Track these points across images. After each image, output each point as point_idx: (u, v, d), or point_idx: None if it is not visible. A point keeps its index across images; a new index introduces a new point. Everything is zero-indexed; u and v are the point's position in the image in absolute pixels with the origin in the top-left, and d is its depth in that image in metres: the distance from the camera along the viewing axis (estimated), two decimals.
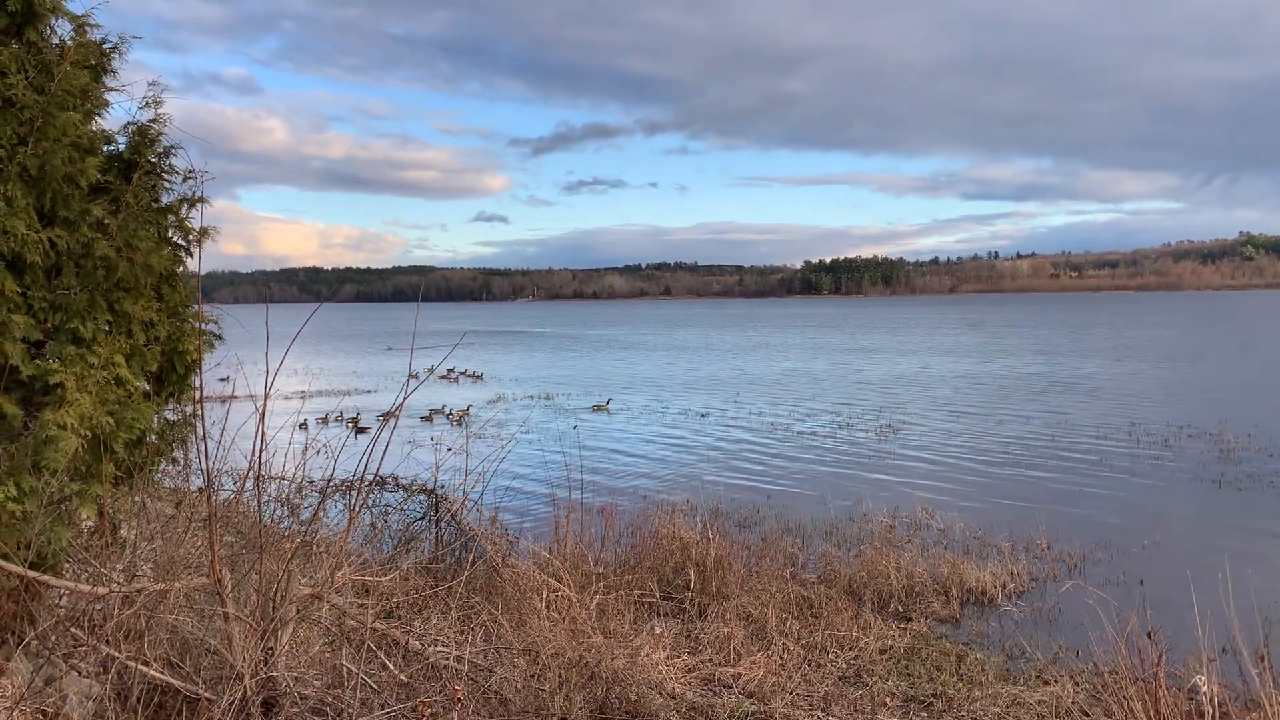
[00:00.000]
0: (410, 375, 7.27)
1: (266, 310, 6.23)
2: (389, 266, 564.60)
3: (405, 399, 6.76)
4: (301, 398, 40.90)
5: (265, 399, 6.06)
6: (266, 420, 6.27)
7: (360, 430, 30.24)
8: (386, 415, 7.02)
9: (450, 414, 34.27)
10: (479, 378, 50.33)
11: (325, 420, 32.20)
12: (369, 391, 44.27)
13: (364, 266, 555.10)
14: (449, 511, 10.65)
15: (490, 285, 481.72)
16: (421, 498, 10.88)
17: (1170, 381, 41.73)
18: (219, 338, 7.87)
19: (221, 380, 10.00)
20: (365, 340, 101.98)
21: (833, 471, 22.49)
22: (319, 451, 8.89)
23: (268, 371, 6.15)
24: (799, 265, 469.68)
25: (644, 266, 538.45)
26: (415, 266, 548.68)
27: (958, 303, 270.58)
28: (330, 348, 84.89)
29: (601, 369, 56.84)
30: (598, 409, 35.63)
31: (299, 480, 8.73)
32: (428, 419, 33.40)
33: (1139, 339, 76.93)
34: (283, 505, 8.68)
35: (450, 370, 52.11)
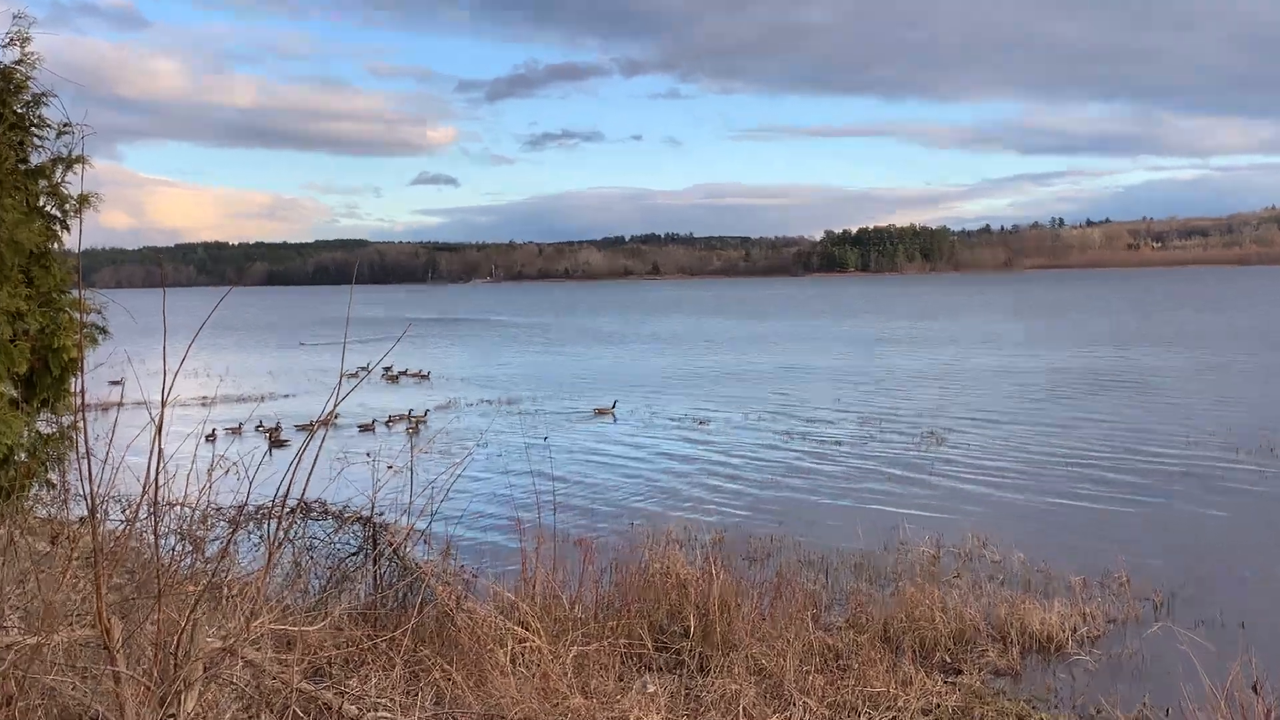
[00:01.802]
0: (342, 375, 7.24)
1: (163, 296, 6.20)
2: (310, 240, 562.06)
3: (336, 404, 6.75)
4: (206, 404, 40.83)
5: (163, 406, 6.03)
6: (164, 433, 6.24)
7: (280, 444, 30.19)
8: (313, 425, 7.01)
9: (395, 420, 34.61)
10: (425, 378, 50.34)
11: (237, 431, 32.11)
12: (288, 396, 44.17)
13: (279, 241, 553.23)
14: (390, 544, 10.64)
15: (437, 263, 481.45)
16: (356, 528, 10.84)
17: (1275, 377, 42.15)
18: (103, 331, 7.84)
19: (114, 384, 9.98)
20: (283, 332, 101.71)
21: (863, 490, 22.64)
22: (228, 471, 8.86)
23: (165, 372, 6.12)
24: (818, 236, 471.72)
25: (627, 239, 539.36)
26: (343, 240, 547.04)
27: (1014, 281, 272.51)
28: (239, 342, 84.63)
29: (577, 366, 56.91)
30: (601, 413, 35.97)
31: (205, 507, 8.68)
32: (368, 428, 33.71)
33: (1235, 325, 77.60)
34: (185, 539, 8.65)
35: (389, 369, 52.08)
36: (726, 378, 48.36)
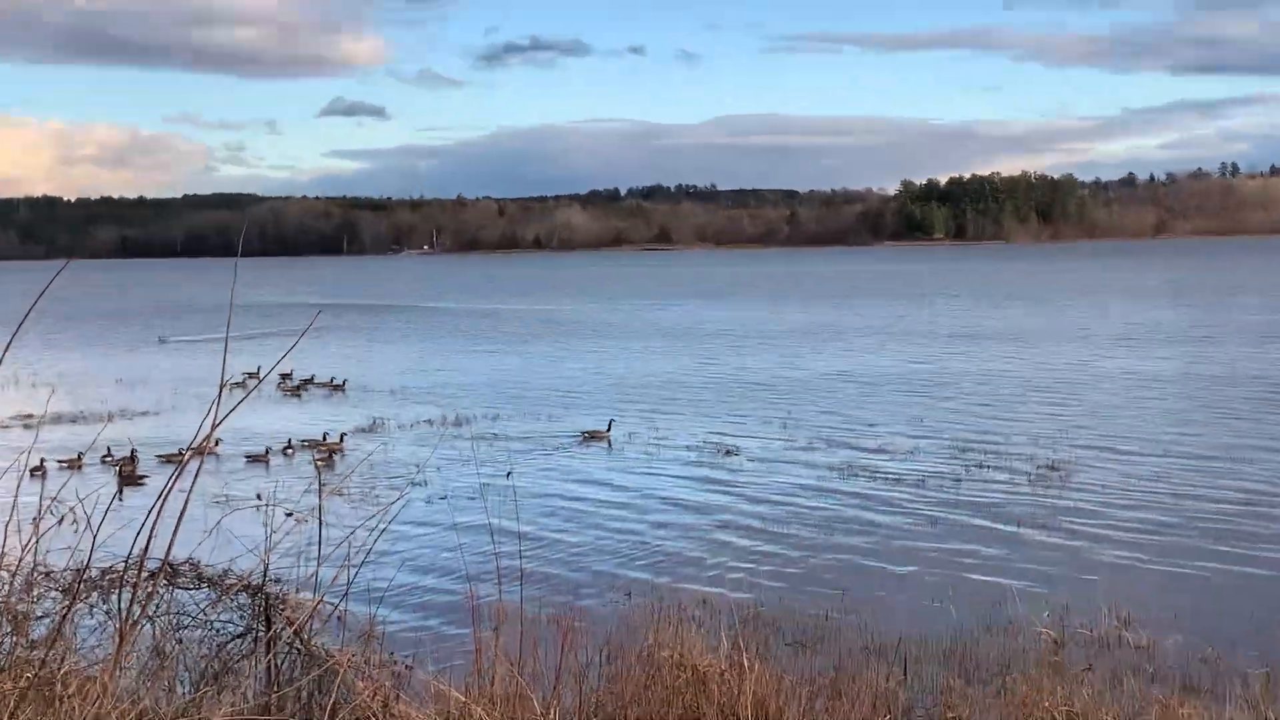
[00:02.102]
0: (224, 385, 7.22)
1: None
2: (177, 196, 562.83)
3: (215, 426, 6.74)
4: (30, 425, 40.85)
5: None
6: None
7: (135, 482, 30.16)
8: (183, 456, 7.00)
9: (298, 448, 34.75)
10: (339, 388, 50.49)
11: (75, 464, 32.06)
12: (146, 414, 44.25)
13: (134, 196, 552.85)
14: (290, 624, 10.63)
15: (357, 226, 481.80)
16: (243, 600, 10.83)
17: None
18: None
19: None
20: (138, 324, 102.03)
21: (953, 549, 22.69)
22: (63, 520, 8.87)
23: None
24: (892, 190, 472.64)
25: (623, 194, 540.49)
26: (225, 195, 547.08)
27: (1169, 252, 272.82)
28: (79, 337, 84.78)
29: (552, 373, 57.06)
30: (592, 438, 36.39)
31: (29, 572, 8.68)
32: (259, 459, 33.76)
33: None
34: (1, 615, 8.65)
35: (288, 376, 52.18)
36: (761, 389, 48.46)
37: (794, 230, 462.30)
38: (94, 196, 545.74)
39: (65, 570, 9.57)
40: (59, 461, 32.59)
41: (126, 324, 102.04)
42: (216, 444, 33.91)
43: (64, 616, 7.90)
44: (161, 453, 33.71)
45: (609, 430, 36.79)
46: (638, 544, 23.68)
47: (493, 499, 25.22)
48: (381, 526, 9.69)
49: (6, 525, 7.71)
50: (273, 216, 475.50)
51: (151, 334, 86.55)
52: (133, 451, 32.88)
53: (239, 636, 11.11)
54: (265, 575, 10.86)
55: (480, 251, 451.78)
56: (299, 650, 10.96)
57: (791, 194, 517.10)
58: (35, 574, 9.05)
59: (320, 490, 9.72)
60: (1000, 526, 24.24)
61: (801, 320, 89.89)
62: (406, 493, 26.80)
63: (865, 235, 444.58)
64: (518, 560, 15.14)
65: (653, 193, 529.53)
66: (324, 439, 35.32)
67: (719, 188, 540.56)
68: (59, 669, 7.62)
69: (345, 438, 35.93)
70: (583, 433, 36.89)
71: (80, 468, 32.06)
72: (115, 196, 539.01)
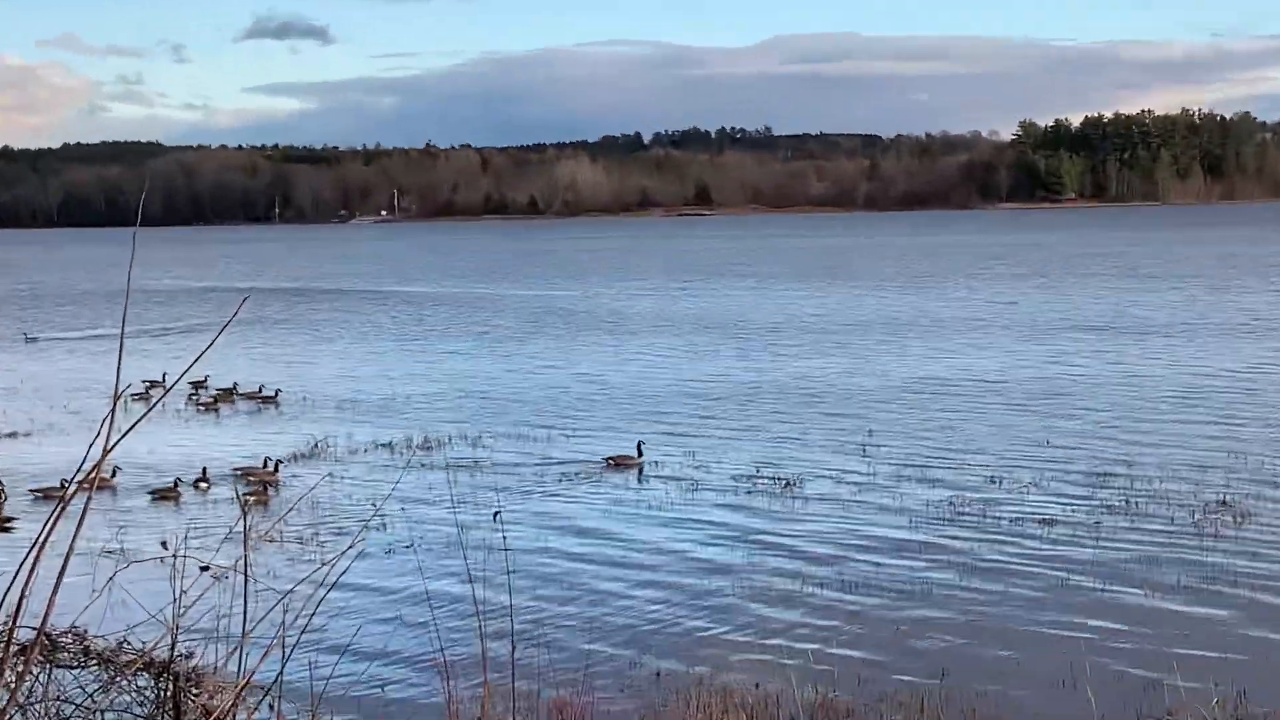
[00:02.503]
0: (118, 396, 7.27)
1: None
2: (56, 145, 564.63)
3: (108, 450, 6.78)
4: None
5: None
6: None
7: (1, 527, 30.20)
8: (64, 492, 7.04)
9: (210, 481, 34.74)
10: (271, 400, 50.56)
11: None
12: (13, 434, 44.41)
13: None
14: (206, 712, 10.68)
15: (292, 185, 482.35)
16: (144, 681, 10.88)
17: None
18: None
19: None
20: None
21: (1087, 618, 22.59)
22: None
23: None
24: (1007, 135, 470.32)
25: (648, 141, 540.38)
26: (116, 144, 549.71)
27: None
28: None
29: (550, 380, 57.07)
30: (619, 465, 36.71)
31: None
32: (167, 496, 33.71)
33: None
34: None
35: (201, 386, 52.28)
36: (828, 402, 48.43)
37: (876, 188, 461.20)
38: None
39: None
40: None
41: None
42: (113, 475, 34.12)
43: None
44: (36, 486, 33.81)
45: (640, 455, 36.91)
46: (669, 610, 23.65)
47: (475, 550, 25.21)
48: (327, 585, 9.75)
49: None
50: (181, 172, 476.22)
51: (14, 329, 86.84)
52: None
53: None
54: (174, 649, 10.89)
55: (457, 218, 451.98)
56: None
57: (872, 140, 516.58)
58: None
59: (246, 537, 9.75)
60: (1153, 587, 24.12)
61: (883, 309, 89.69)
62: (360, 540, 26.84)
63: (971, 195, 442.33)
64: (508, 624, 15.17)
65: (687, 139, 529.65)
66: (263, 465, 35.45)
67: (775, 132, 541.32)
68: None
69: (280, 466, 36.04)
70: (606, 459, 37.05)
71: None
72: None
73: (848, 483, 34.04)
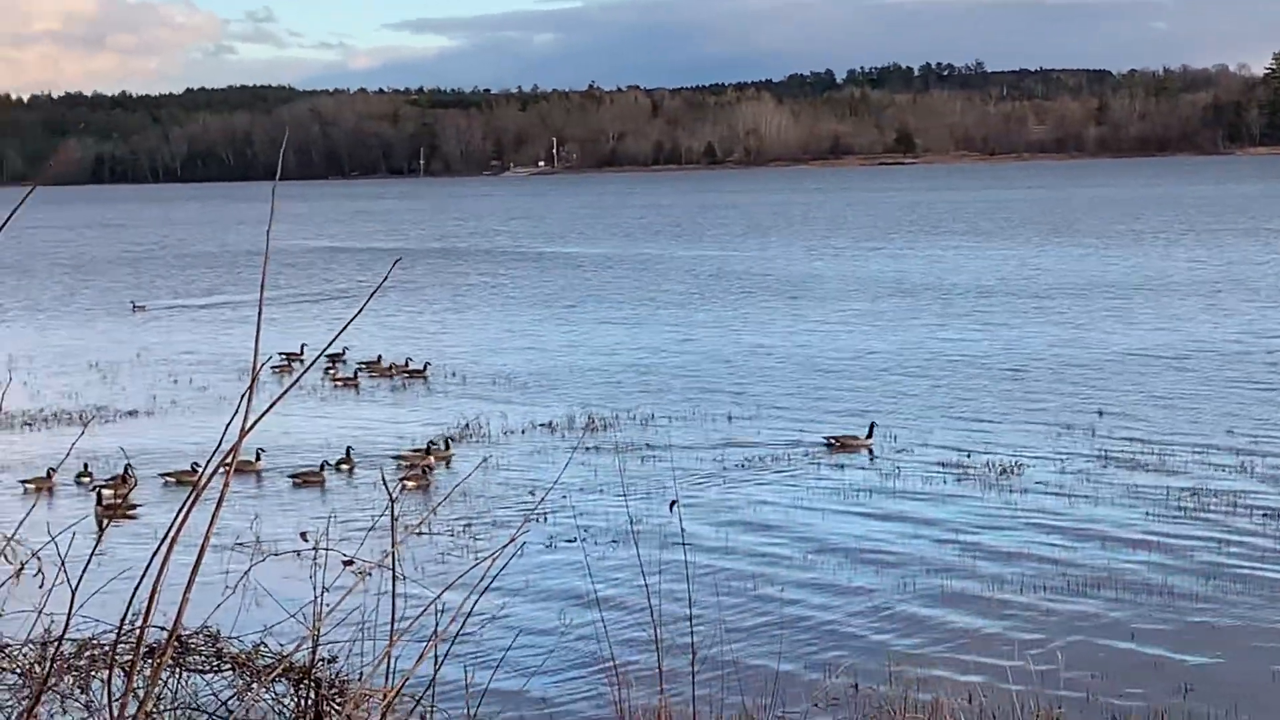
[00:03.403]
0: (256, 371, 7.31)
1: None
2: (177, 92, 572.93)
3: (247, 432, 6.85)
4: None
5: None
6: None
7: (120, 512, 30.69)
8: (197, 476, 7.11)
9: (352, 463, 35.41)
10: (419, 374, 50.98)
11: (42, 485, 32.95)
12: (135, 413, 45.21)
13: (114, 93, 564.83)
14: None
15: (439, 134, 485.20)
16: (282, 688, 11.00)
17: None
18: None
19: None
20: (113, 280, 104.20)
21: None
22: (24, 570, 9.11)
23: None
24: (1259, 69, 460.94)
25: (841, 79, 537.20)
26: (244, 91, 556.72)
27: None
28: (30, 301, 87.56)
29: (723, 350, 56.96)
30: (843, 447, 36.84)
31: None
32: (311, 480, 34.45)
33: None
34: None
35: (339, 359, 52.74)
36: (1047, 375, 47.99)
37: (1105, 132, 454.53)
38: (56, 94, 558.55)
39: (28, 644, 9.81)
40: (22, 483, 33.67)
41: (97, 278, 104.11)
42: (256, 458, 34.78)
43: (28, 711, 8.10)
44: (168, 471, 34.50)
45: (869, 436, 36.95)
46: (868, 614, 23.63)
47: (648, 544, 25.28)
48: (484, 585, 9.79)
49: None
50: (315, 120, 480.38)
51: (123, 296, 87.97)
52: (126, 468, 33.47)
53: None
54: (315, 653, 11.00)
55: (623, 169, 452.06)
56: None
57: (1100, 76, 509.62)
58: None
59: (394, 529, 9.79)
60: None
61: (1109, 271, 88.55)
62: (519, 533, 27.03)
63: (1216, 138, 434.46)
64: (688, 633, 15.17)
65: (886, 77, 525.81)
66: (439, 446, 36.09)
67: (988, 69, 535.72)
68: None
69: (445, 446, 36.58)
70: (829, 439, 37.16)
71: (50, 489, 32.85)
72: (87, 93, 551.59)
73: (1073, 469, 33.69)
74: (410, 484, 33.09)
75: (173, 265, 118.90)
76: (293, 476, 34.38)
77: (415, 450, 36.22)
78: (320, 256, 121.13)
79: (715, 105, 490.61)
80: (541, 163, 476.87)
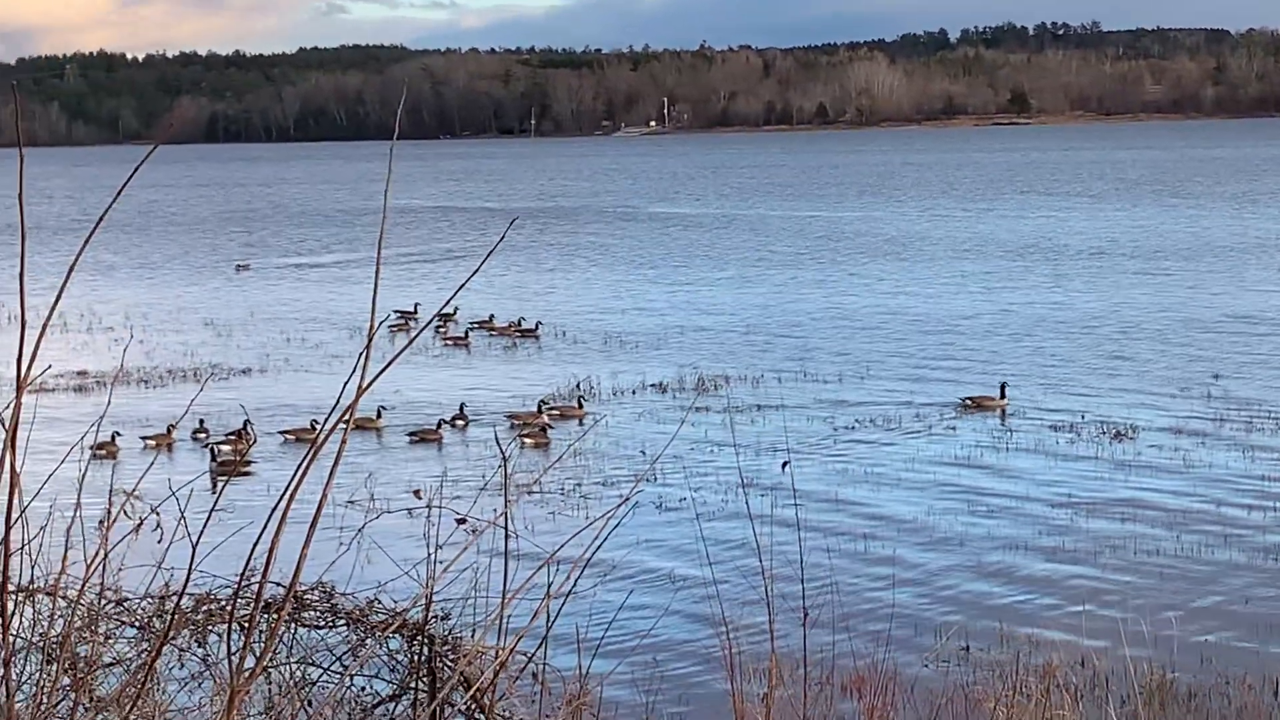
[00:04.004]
0: (373, 329, 7.33)
1: (20, 168, 6.42)
2: (290, 51, 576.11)
3: (364, 388, 6.86)
4: (89, 384, 42.62)
5: (19, 392, 6.28)
6: (21, 446, 6.51)
7: (234, 469, 30.97)
8: (316, 433, 7.14)
9: (459, 421, 35.74)
10: (531, 334, 51.11)
11: (162, 442, 33.66)
12: (248, 371, 45.64)
13: (229, 52, 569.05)
14: (465, 683, 10.84)
15: (550, 94, 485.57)
16: (396, 644, 11.05)
17: None
18: None
19: None
20: (222, 239, 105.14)
21: None
22: (142, 526, 9.18)
23: (23, 324, 6.37)
24: None
25: (955, 39, 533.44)
26: (358, 49, 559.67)
27: None
28: (144, 259, 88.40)
29: (832, 310, 56.83)
30: (978, 406, 36.80)
31: (99, 600, 8.99)
32: (427, 438, 34.90)
33: None
34: (60, 662, 9.00)
35: (449, 319, 52.84)
36: (1158, 337, 47.66)
37: (1223, 92, 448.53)
38: (170, 53, 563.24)
39: (146, 599, 9.90)
40: (143, 439, 34.12)
41: (207, 240, 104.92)
42: (377, 415, 35.17)
43: (147, 665, 8.15)
44: (287, 428, 34.92)
45: (1003, 397, 36.83)
46: (979, 576, 23.59)
47: (759, 505, 25.30)
48: (597, 543, 9.81)
49: (68, 531, 8.01)
50: (426, 80, 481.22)
51: (231, 255, 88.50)
52: (245, 424, 33.95)
53: (391, 699, 11.39)
54: (428, 610, 11.04)
55: (734, 129, 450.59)
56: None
57: (1219, 36, 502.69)
58: (104, 603, 9.38)
59: (507, 488, 9.81)
60: None
61: (1220, 232, 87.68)
62: (635, 492, 27.07)
63: None
64: (799, 595, 15.19)
65: (1001, 37, 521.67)
66: (543, 408, 36.29)
67: (1104, 28, 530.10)
68: None
69: (579, 405, 37.23)
70: (964, 400, 37.12)
71: (170, 446, 33.29)
72: (202, 52, 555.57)
73: (1188, 432, 33.46)
74: (529, 441, 33.42)
75: (283, 224, 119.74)
76: (410, 434, 34.73)
77: (528, 411, 36.45)
78: (430, 216, 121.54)
79: (827, 65, 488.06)
80: (652, 123, 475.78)
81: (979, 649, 19.81)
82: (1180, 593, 22.32)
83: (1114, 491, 28.52)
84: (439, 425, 34.97)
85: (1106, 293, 60.12)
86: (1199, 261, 70.94)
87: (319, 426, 6.90)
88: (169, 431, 33.22)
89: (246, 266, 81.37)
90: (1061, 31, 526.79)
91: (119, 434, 32.93)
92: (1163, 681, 17.94)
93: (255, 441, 33.24)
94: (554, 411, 36.59)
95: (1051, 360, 43.93)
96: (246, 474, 31.11)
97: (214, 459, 31.75)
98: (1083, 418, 35.08)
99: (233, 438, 33.47)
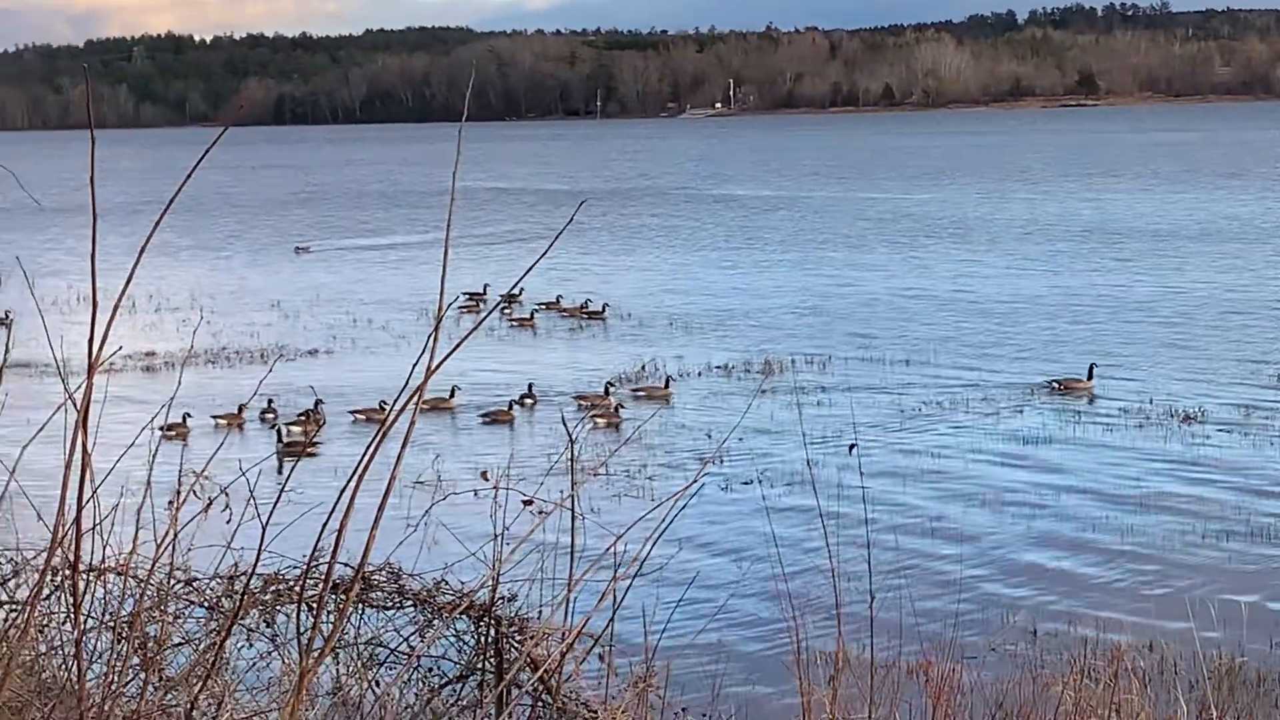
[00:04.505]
0: (442, 312, 7.33)
1: (91, 151, 6.45)
2: (356, 33, 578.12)
3: (433, 369, 6.87)
4: (158, 365, 43.01)
5: (90, 373, 6.32)
6: (92, 427, 6.54)
7: (300, 450, 31.15)
8: (384, 414, 7.15)
9: (527, 400, 36.08)
10: (598, 315, 51.20)
11: (233, 421, 34.14)
12: (312, 352, 45.82)
13: (295, 34, 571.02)
14: (532, 664, 10.86)
15: (615, 76, 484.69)
16: (463, 625, 11.06)
17: None
18: None
19: None
20: (279, 217, 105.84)
21: None
22: (211, 506, 9.23)
23: (95, 305, 6.40)
24: None
25: (1022, 20, 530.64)
26: (424, 30, 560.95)
27: None
28: (211, 240, 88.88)
29: (898, 293, 56.69)
30: (1066, 389, 36.67)
31: (169, 580, 9.04)
32: (501, 418, 35.11)
33: None
34: (131, 641, 9.06)
35: (514, 300, 52.87)
36: (1220, 318, 47.69)
37: None
38: (238, 35, 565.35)
39: (215, 579, 9.95)
40: (214, 419, 34.38)
41: (271, 221, 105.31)
42: (451, 395, 35.40)
43: (217, 645, 8.19)
44: (356, 408, 35.12)
45: (1089, 380, 36.74)
46: (1047, 561, 23.52)
47: (826, 488, 25.26)
48: (663, 525, 9.80)
49: (139, 511, 8.06)
50: (492, 62, 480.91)
51: (293, 237, 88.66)
52: (316, 404, 34.48)
53: (458, 679, 11.41)
54: (495, 591, 11.06)
55: (800, 111, 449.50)
56: (545, 702, 11.19)
57: None
58: (174, 583, 9.43)
59: (574, 469, 9.81)
60: None
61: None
62: (699, 475, 27.08)
63: None
64: (866, 575, 15.18)
65: (1069, 17, 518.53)
66: (609, 391, 36.22)
67: (1173, 9, 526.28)
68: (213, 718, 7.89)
69: (672, 382, 37.70)
70: (1053, 382, 37.07)
71: (242, 426, 33.56)
72: (269, 34, 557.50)
73: (1258, 417, 33.29)
74: (602, 421, 33.63)
75: (347, 205, 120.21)
76: (483, 414, 35.04)
77: (595, 393, 36.52)
78: (494, 197, 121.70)
79: (894, 46, 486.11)
80: (718, 104, 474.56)
81: (1046, 631, 19.75)
82: (1249, 577, 22.23)
83: (1183, 474, 28.46)
84: (510, 406, 35.21)
85: (1166, 276, 59.87)
86: (1264, 245, 70.49)
87: (388, 407, 6.91)
88: (240, 411, 33.58)
89: (306, 249, 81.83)
90: (1130, 12, 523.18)
91: (189, 414, 33.19)
92: (1232, 666, 17.86)
93: (325, 423, 33.63)
94: (640, 392, 37.03)
95: (1117, 343, 43.75)
96: (313, 455, 31.27)
97: (280, 440, 31.96)
98: (1150, 401, 34.92)
99: (303, 418, 33.90)
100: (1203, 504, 26.31)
